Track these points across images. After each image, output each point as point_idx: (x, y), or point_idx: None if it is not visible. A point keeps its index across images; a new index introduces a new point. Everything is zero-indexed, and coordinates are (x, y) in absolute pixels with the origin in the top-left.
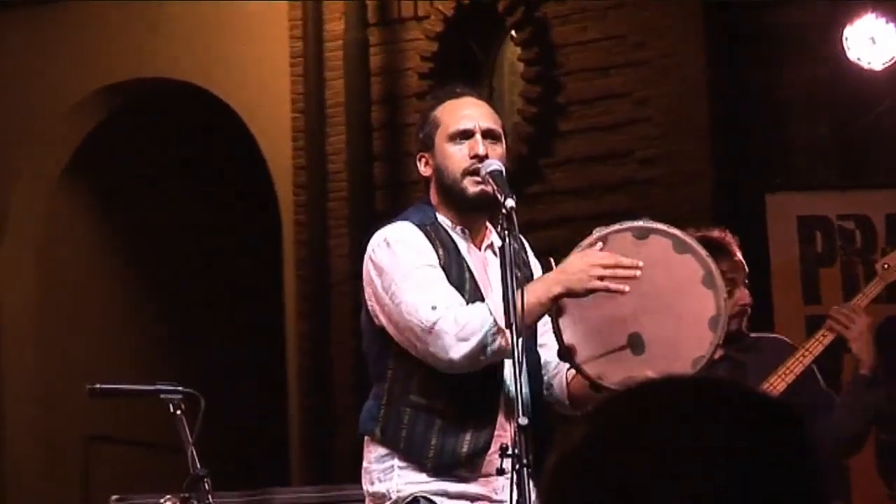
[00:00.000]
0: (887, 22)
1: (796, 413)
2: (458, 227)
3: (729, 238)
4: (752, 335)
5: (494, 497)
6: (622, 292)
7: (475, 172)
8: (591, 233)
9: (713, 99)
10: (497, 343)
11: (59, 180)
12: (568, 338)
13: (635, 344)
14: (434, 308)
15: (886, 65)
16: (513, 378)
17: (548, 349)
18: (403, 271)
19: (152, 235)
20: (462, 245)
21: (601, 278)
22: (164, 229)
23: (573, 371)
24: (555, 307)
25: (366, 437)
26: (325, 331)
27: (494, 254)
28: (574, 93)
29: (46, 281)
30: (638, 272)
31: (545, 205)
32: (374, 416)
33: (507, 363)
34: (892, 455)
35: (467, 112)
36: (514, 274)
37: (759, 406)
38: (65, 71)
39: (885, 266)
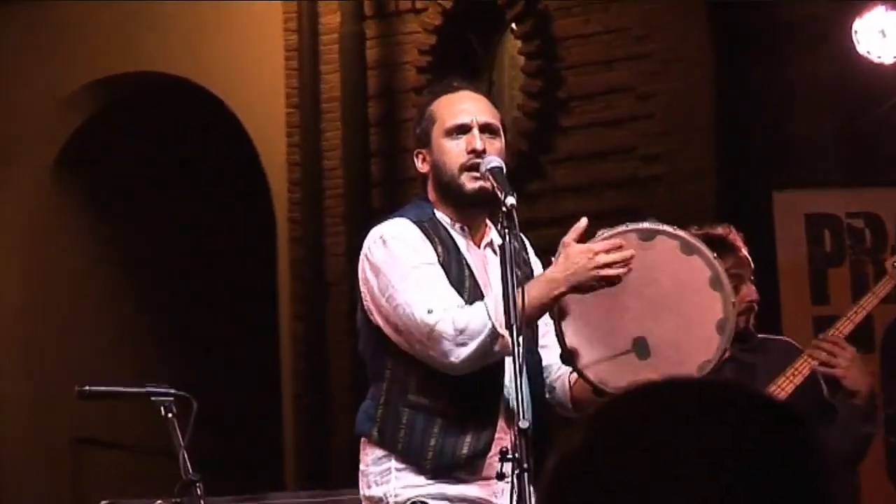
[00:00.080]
0: None
1: (801, 415)
2: (457, 225)
3: (733, 234)
4: (760, 336)
5: (494, 501)
6: (625, 273)
7: (473, 168)
8: (594, 234)
9: (718, 94)
10: (496, 346)
11: (49, 174)
12: (571, 341)
13: (640, 348)
14: (431, 311)
15: None
16: (513, 380)
17: (550, 351)
18: (401, 271)
19: (145, 231)
20: (461, 243)
21: (600, 266)
22: (157, 226)
23: (576, 374)
24: (557, 309)
25: (362, 439)
26: (322, 331)
27: (494, 252)
28: (576, 87)
29: (36, 278)
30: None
31: (546, 202)
32: (371, 416)
33: (509, 365)
34: None
35: (464, 106)
36: (515, 273)
37: (763, 408)
38: (56, 65)
39: None
